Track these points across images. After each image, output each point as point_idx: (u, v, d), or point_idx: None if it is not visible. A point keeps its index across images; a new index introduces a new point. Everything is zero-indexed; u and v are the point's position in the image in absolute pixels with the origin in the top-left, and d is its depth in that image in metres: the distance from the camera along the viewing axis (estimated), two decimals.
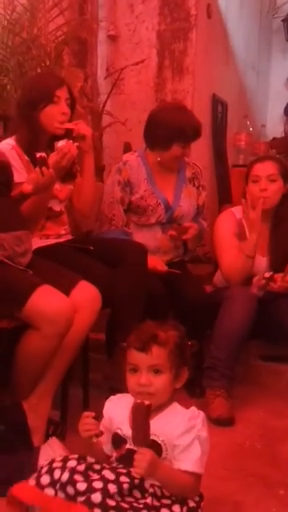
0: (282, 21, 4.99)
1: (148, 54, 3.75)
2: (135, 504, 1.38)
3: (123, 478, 1.39)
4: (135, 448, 1.42)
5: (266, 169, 2.68)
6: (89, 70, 3.59)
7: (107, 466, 1.45)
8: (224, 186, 4.16)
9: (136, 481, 1.40)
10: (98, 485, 1.36)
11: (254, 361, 2.87)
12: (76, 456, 1.47)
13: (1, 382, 1.99)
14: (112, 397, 1.58)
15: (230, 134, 4.38)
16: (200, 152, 3.89)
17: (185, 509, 1.44)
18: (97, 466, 1.44)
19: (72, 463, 1.43)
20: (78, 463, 1.43)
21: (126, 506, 1.35)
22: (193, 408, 1.49)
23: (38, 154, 2.12)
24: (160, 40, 3.74)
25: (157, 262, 2.65)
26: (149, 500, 1.39)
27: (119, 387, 1.56)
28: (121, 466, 1.45)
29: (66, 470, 1.41)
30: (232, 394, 2.51)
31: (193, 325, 2.65)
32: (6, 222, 2.04)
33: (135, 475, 1.37)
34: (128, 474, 1.40)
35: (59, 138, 2.31)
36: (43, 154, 2.12)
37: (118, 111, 3.63)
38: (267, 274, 2.54)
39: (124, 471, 1.41)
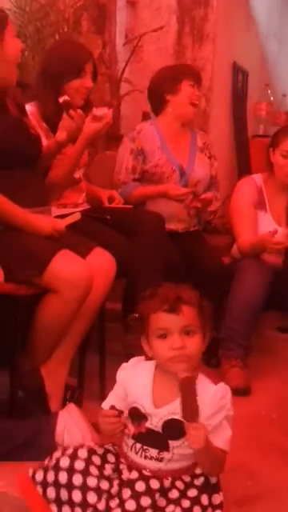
0: None
1: (167, 21, 3.68)
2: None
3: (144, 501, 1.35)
4: (154, 428, 1.39)
5: None
6: (107, 36, 3.52)
7: (125, 479, 1.40)
8: (243, 156, 4.12)
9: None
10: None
11: (271, 332, 2.86)
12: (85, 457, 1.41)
13: (19, 348, 2.00)
14: (125, 364, 1.51)
15: (251, 104, 4.32)
16: (220, 121, 3.84)
17: (210, 492, 1.43)
18: (114, 489, 1.39)
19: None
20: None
21: None
22: (221, 384, 1.43)
23: (61, 99, 2.12)
24: (180, 6, 3.67)
25: (171, 188, 2.63)
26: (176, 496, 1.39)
27: (137, 355, 1.55)
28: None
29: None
30: (248, 365, 2.51)
31: (210, 295, 2.67)
32: (31, 198, 2.06)
33: (194, 447, 1.34)
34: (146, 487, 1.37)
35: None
36: (66, 98, 2.13)
37: (136, 79, 3.57)
38: None
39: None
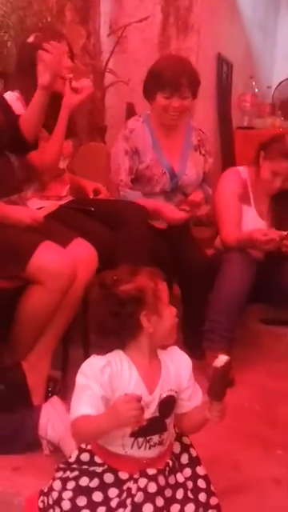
0: None
1: (152, 11, 3.65)
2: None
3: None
4: (153, 415, 1.37)
5: None
6: (91, 26, 3.49)
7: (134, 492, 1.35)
8: (228, 148, 4.11)
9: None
10: None
11: (255, 324, 2.87)
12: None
13: (1, 342, 1.99)
14: (101, 364, 1.36)
15: (235, 95, 4.30)
16: (205, 113, 3.83)
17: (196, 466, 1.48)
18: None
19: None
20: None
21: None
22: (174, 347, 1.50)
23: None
24: None
25: (173, 212, 2.59)
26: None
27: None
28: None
29: None
30: (232, 357, 2.51)
31: (195, 288, 2.68)
32: (6, 187, 2.04)
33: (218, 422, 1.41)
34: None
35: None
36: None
37: (120, 70, 3.54)
38: (285, 233, 2.48)
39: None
